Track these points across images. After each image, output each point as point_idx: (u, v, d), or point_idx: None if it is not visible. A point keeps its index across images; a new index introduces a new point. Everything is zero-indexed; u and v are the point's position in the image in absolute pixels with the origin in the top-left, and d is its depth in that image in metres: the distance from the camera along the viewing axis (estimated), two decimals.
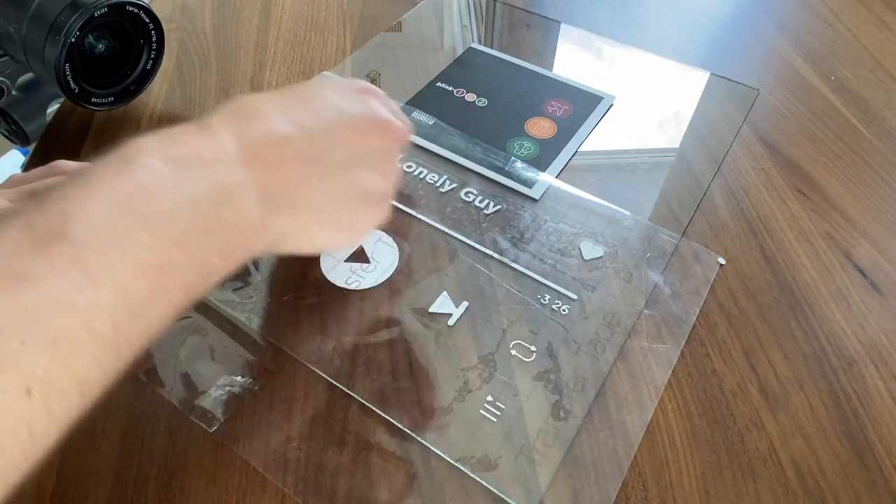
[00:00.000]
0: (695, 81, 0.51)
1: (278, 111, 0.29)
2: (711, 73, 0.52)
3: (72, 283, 0.20)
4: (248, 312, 0.35)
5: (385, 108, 0.32)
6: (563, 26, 0.57)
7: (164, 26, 0.43)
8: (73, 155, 0.43)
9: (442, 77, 0.50)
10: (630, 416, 0.31)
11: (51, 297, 0.19)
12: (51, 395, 0.19)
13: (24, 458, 0.19)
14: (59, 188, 0.22)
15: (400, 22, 0.56)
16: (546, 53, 0.54)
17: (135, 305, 0.21)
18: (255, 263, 0.37)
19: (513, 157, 0.44)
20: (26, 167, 0.43)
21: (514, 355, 0.33)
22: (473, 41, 0.54)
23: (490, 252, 0.38)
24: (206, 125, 0.27)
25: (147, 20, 0.41)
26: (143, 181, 0.23)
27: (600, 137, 0.46)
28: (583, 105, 0.48)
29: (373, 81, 0.50)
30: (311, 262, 0.37)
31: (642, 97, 0.50)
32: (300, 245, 0.30)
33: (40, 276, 0.19)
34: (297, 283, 0.36)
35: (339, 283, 0.36)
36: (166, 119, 0.46)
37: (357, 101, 0.31)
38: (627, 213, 0.41)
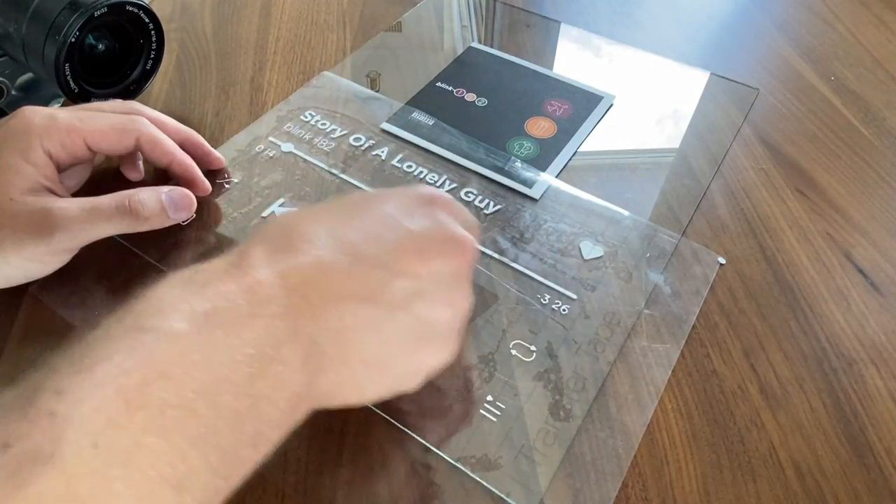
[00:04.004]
0: (695, 81, 0.51)
1: (327, 234, 0.24)
2: (711, 73, 0.52)
3: None
4: None
5: (454, 219, 0.27)
6: (563, 26, 0.57)
7: (164, 26, 0.43)
8: None
9: (442, 77, 0.50)
10: (630, 416, 0.31)
11: None
12: None
13: None
14: (51, 375, 0.18)
15: (400, 22, 0.56)
16: (546, 53, 0.54)
17: None
18: None
19: (513, 157, 0.44)
20: None
21: (514, 355, 0.33)
22: (473, 41, 0.54)
23: (490, 252, 0.38)
24: (245, 260, 0.22)
25: (147, 20, 0.41)
26: (162, 356, 0.19)
27: (600, 137, 0.46)
28: (583, 105, 0.48)
29: (373, 81, 0.50)
30: None
31: (642, 97, 0.50)
32: (347, 400, 0.25)
33: None
34: None
35: None
36: None
37: (421, 216, 0.26)
38: (627, 213, 0.41)
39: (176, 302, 0.20)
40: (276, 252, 0.23)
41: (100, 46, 0.41)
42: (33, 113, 0.34)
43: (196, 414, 0.19)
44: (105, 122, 0.35)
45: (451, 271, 0.26)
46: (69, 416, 0.17)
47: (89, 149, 0.35)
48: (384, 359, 0.25)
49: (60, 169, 0.35)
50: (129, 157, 0.40)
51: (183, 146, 0.38)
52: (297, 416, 0.23)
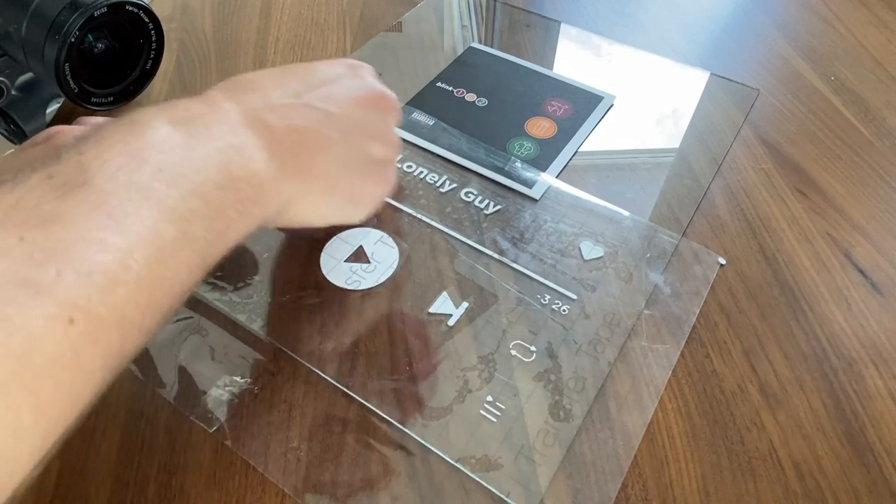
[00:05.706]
0: (695, 81, 0.51)
1: (275, 84, 0.30)
2: (711, 73, 0.52)
3: (100, 223, 0.20)
4: (248, 312, 0.35)
5: (377, 81, 0.34)
6: (563, 26, 0.57)
7: (164, 26, 0.43)
8: None
9: (442, 77, 0.50)
10: (630, 416, 0.31)
11: (81, 235, 0.20)
12: (92, 325, 0.19)
13: (77, 392, 0.19)
14: (73, 144, 0.22)
15: (400, 22, 0.56)
16: (546, 53, 0.54)
17: (163, 249, 0.22)
18: (255, 263, 0.37)
19: (513, 157, 0.44)
20: None
21: (514, 355, 0.33)
22: (473, 41, 0.54)
23: (490, 252, 0.38)
24: (205, 96, 0.27)
25: (147, 20, 0.41)
26: (153, 139, 0.23)
27: (600, 137, 0.46)
28: (583, 105, 0.48)
29: None
30: (312, 263, 0.37)
31: (642, 97, 0.50)
32: (306, 214, 0.30)
33: (69, 218, 0.20)
34: (297, 283, 0.36)
35: (339, 283, 0.36)
36: None
37: (351, 74, 0.33)
38: (627, 213, 0.40)
39: (155, 112, 0.25)
40: (231, 91, 0.28)
41: (100, 46, 0.41)
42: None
43: (188, 176, 0.23)
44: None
45: (379, 116, 0.33)
46: (91, 163, 0.21)
47: None
48: (334, 177, 0.30)
49: None
50: None
51: None
52: (269, 207, 0.27)
